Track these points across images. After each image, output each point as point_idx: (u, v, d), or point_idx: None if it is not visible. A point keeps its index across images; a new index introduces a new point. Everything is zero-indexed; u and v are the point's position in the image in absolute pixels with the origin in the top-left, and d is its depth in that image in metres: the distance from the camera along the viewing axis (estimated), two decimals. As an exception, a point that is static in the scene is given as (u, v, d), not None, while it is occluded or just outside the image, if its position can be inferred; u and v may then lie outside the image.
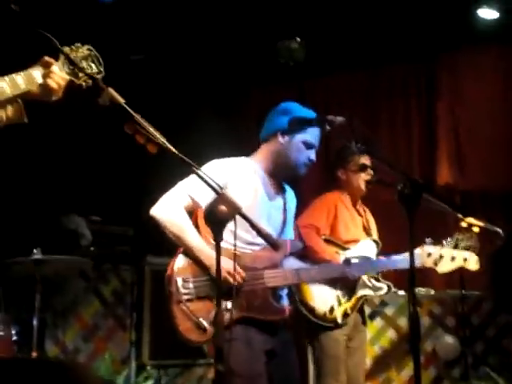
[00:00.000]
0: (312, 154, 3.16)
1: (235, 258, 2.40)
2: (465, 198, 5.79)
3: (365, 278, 3.91)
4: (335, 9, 5.41)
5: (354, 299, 3.97)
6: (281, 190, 3.23)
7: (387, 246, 4.02)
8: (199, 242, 2.93)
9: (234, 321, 2.75)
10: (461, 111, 5.72)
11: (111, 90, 2.13)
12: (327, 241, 4.09)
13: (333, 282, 3.87)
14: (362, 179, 4.25)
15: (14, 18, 2.00)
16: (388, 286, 3.99)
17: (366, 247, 4.08)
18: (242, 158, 3.18)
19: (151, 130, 2.15)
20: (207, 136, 5.53)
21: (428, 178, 5.64)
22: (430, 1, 5.25)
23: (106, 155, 5.77)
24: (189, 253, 2.94)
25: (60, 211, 5.22)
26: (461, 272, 4.37)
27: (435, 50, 5.77)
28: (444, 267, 3.64)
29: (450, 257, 3.63)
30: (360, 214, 4.35)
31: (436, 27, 5.47)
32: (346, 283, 3.82)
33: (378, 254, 4.05)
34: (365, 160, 4.21)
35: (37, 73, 2.07)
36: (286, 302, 3.09)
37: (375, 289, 3.99)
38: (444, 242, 3.66)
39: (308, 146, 3.13)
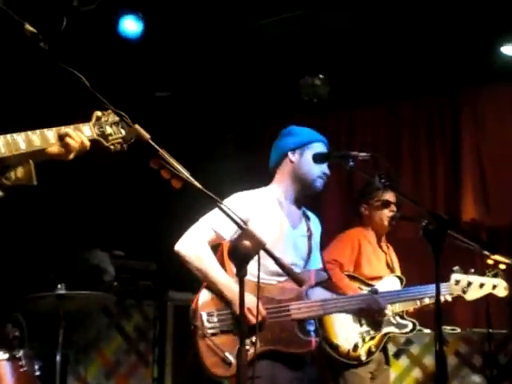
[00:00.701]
0: (325, 169, 3.18)
1: (258, 294, 2.38)
2: (491, 235, 5.72)
3: (390, 315, 3.86)
4: (359, 43, 5.46)
5: (378, 337, 3.92)
6: (304, 217, 3.24)
7: (412, 283, 3.97)
8: (223, 276, 2.94)
9: (260, 354, 2.73)
10: (485, 147, 5.69)
11: (138, 127, 2.16)
12: (351, 277, 4.06)
13: (358, 318, 3.83)
14: (385, 215, 4.24)
15: (43, 57, 2.03)
16: (413, 324, 3.94)
17: (390, 283, 4.04)
18: (263, 189, 3.21)
19: (176, 165, 2.16)
20: (230, 170, 5.57)
21: (453, 214, 5.58)
22: (455, 37, 5.26)
23: (129, 190, 5.81)
24: (212, 287, 2.94)
25: (83, 246, 5.25)
26: (487, 310, 4.31)
27: (458, 86, 5.77)
28: (473, 295, 3.60)
29: (478, 284, 3.59)
30: (383, 251, 4.32)
31: (459, 63, 5.48)
32: (371, 318, 3.76)
33: (403, 291, 4.01)
34: (388, 196, 4.20)
35: (50, 133, 2.09)
36: (313, 336, 3.06)
37: (400, 326, 3.94)
38: (472, 270, 3.61)
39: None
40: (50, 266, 4.90)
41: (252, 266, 2.23)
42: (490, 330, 4.58)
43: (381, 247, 4.32)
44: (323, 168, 3.19)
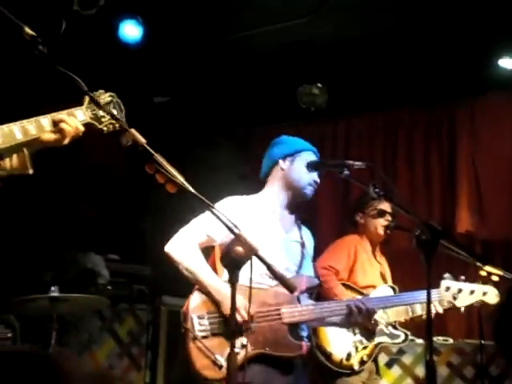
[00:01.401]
0: (316, 177, 3.21)
1: (250, 296, 2.38)
2: (485, 247, 5.73)
3: (382, 325, 3.87)
4: (357, 51, 5.49)
5: (371, 346, 3.92)
6: (296, 224, 3.26)
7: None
8: (212, 278, 2.95)
9: (251, 359, 2.73)
10: (481, 158, 5.70)
11: (134, 131, 2.18)
12: (345, 285, 4.07)
13: (353, 325, 3.83)
14: (380, 224, 4.25)
15: (40, 59, 2.05)
16: (405, 334, 3.95)
17: (383, 292, 4.05)
18: (255, 195, 3.23)
19: (171, 169, 2.17)
20: (226, 177, 5.58)
21: (448, 225, 5.60)
22: (452, 48, 5.30)
23: (125, 194, 5.82)
24: (202, 289, 2.96)
25: (78, 249, 5.25)
26: (480, 321, 4.32)
27: (455, 96, 5.80)
28: (463, 301, 3.60)
29: (468, 290, 3.59)
30: (377, 261, 4.33)
31: (456, 74, 5.51)
32: (362, 323, 3.75)
33: (395, 300, 4.01)
34: (383, 206, 4.21)
35: (45, 121, 2.11)
36: (305, 341, 3.06)
37: (392, 336, 3.94)
38: (463, 277, 3.62)
39: (310, 168, 3.19)
40: (44, 267, 4.90)
41: (244, 270, 2.24)
42: (482, 342, 4.57)
43: (375, 257, 4.34)
44: (313, 176, 3.22)
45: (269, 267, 2.28)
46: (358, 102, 5.98)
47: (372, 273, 4.23)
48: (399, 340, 3.96)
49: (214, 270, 3.02)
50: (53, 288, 4.01)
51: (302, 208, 3.34)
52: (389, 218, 4.23)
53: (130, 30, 5.01)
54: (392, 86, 5.78)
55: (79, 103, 2.24)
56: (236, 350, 2.25)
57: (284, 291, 2.93)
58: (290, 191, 3.22)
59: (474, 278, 3.77)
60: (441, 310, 3.68)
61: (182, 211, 3.02)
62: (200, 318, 2.92)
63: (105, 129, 2.24)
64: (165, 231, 3.26)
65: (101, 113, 2.24)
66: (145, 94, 5.81)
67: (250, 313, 2.85)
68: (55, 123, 2.11)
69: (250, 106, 6.20)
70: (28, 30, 2.01)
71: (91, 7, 4.65)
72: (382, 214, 4.21)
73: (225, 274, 2.93)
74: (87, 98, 2.22)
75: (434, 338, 4.78)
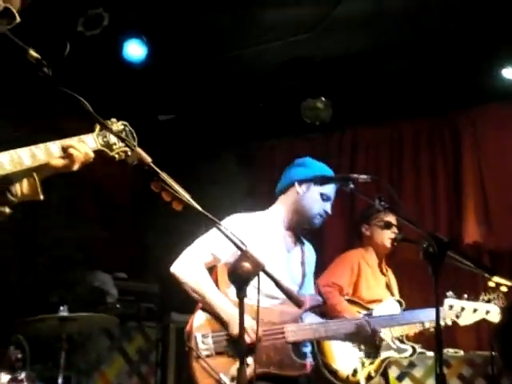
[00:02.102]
0: (328, 207, 3.21)
1: (258, 316, 2.39)
2: (493, 257, 5.71)
3: (388, 339, 3.85)
4: (360, 65, 5.52)
5: (377, 361, 3.90)
6: (298, 242, 3.26)
7: (413, 306, 3.97)
8: (219, 298, 2.95)
9: (256, 377, 2.73)
10: (487, 169, 5.70)
11: (140, 150, 2.19)
12: (350, 301, 4.06)
13: (356, 343, 3.82)
14: (386, 236, 4.25)
15: (46, 81, 2.07)
16: (413, 348, 3.92)
17: (389, 307, 4.03)
18: (261, 212, 3.24)
19: (177, 187, 2.19)
20: (231, 193, 5.59)
21: (455, 236, 5.58)
22: (457, 59, 5.33)
23: (131, 212, 5.84)
24: (208, 309, 2.96)
25: (86, 268, 5.26)
26: (490, 333, 4.30)
27: (460, 107, 5.81)
28: (466, 320, 3.60)
29: (472, 309, 3.59)
30: (383, 273, 4.32)
31: (461, 84, 5.53)
32: (369, 343, 3.75)
33: (402, 314, 4.00)
34: (390, 218, 4.20)
35: (54, 147, 2.12)
36: (308, 359, 3.06)
37: (400, 351, 3.92)
38: (465, 296, 3.62)
39: (325, 198, 3.19)
40: (53, 287, 4.91)
41: (248, 289, 2.24)
42: (493, 353, 4.54)
43: (381, 269, 4.33)
44: (326, 206, 3.21)
45: (276, 283, 2.28)
46: (362, 115, 5.99)
47: (377, 287, 4.22)
48: (406, 354, 3.93)
49: (216, 286, 3.02)
50: (61, 308, 4.01)
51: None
52: (395, 230, 4.22)
53: (135, 50, 5.05)
54: (396, 99, 5.80)
55: (90, 123, 2.25)
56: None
57: (288, 310, 2.94)
58: (299, 216, 3.22)
59: (483, 288, 3.76)
60: (449, 322, 3.68)
61: (189, 229, 3.04)
62: (204, 336, 2.91)
63: (116, 156, 2.25)
64: (172, 249, 3.27)
65: (112, 140, 2.25)
66: (150, 113, 5.85)
67: (258, 334, 2.85)
68: (64, 149, 2.12)
69: (254, 122, 6.23)
70: (33, 53, 2.03)
71: (95, 28, 4.70)
72: (388, 225, 4.20)
73: (228, 291, 2.93)
74: (98, 126, 2.24)
75: (445, 350, 4.75)
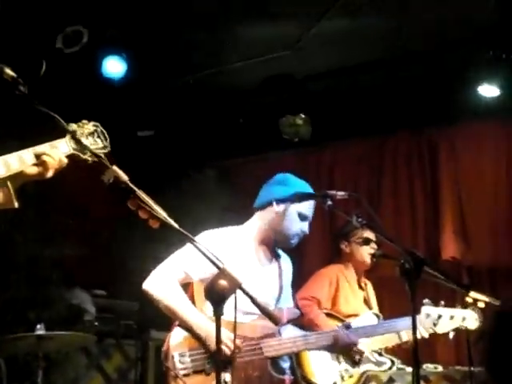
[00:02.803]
0: (305, 226, 3.20)
1: (235, 330, 2.38)
2: (472, 273, 5.75)
3: (367, 353, 3.86)
4: (339, 80, 5.57)
5: (357, 375, 3.90)
6: (274, 256, 3.25)
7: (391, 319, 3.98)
8: (194, 314, 2.94)
9: None
10: (464, 185, 5.76)
11: (115, 168, 2.19)
12: (328, 314, 4.07)
13: (336, 356, 3.82)
14: (366, 252, 4.27)
15: (22, 99, 2.07)
16: (391, 361, 3.94)
17: (366, 320, 4.04)
18: (234, 228, 3.22)
19: (153, 205, 2.19)
20: (210, 209, 5.59)
21: (433, 252, 5.62)
22: (434, 76, 5.39)
23: (109, 228, 5.81)
24: (183, 325, 2.94)
25: (64, 286, 5.22)
26: (469, 348, 4.31)
27: (437, 124, 5.88)
28: (443, 327, 3.61)
29: (448, 316, 3.62)
30: (361, 288, 4.34)
31: (438, 101, 5.59)
32: (348, 354, 3.74)
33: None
34: (369, 234, 4.23)
35: (27, 155, 2.12)
36: (287, 374, 3.05)
37: (378, 364, 3.94)
38: (442, 302, 3.64)
39: (302, 217, 3.18)
40: (30, 305, 4.86)
41: (224, 306, 2.24)
42: (472, 369, 4.56)
43: (359, 284, 4.35)
44: (303, 226, 3.19)
45: (253, 300, 2.28)
46: (340, 131, 6.03)
47: (355, 301, 4.24)
48: (386, 367, 3.95)
49: (193, 303, 3.00)
50: (38, 326, 3.97)
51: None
52: (374, 245, 4.25)
53: (114, 66, 5.05)
54: (375, 115, 5.85)
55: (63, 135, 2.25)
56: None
57: (264, 325, 2.93)
58: (275, 235, 3.20)
59: (461, 304, 3.79)
60: (426, 335, 3.69)
61: (167, 245, 3.03)
62: (181, 355, 2.89)
63: (89, 159, 2.25)
64: (151, 265, 3.26)
65: (84, 142, 2.25)
66: (129, 129, 5.84)
67: (239, 346, 2.84)
68: (37, 156, 2.12)
69: (234, 138, 6.24)
70: (8, 71, 2.03)
71: (74, 44, 4.70)
72: (367, 242, 4.23)
73: (204, 307, 2.92)
74: (70, 128, 2.24)
75: (424, 366, 4.76)
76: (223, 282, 2.23)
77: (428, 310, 3.61)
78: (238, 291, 2.28)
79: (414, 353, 2.58)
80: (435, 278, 3.17)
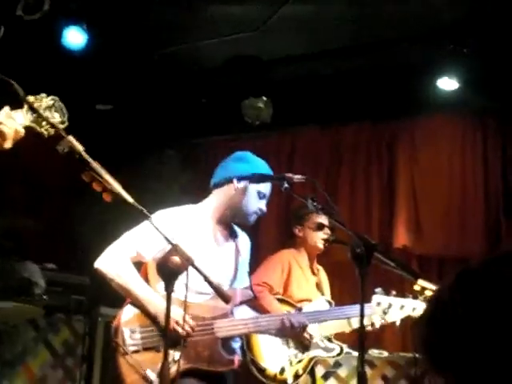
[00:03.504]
0: (263, 205, 3.21)
1: (186, 308, 2.39)
2: (421, 262, 5.87)
3: (317, 338, 3.90)
4: (303, 64, 5.58)
5: (305, 360, 3.94)
6: (231, 235, 3.25)
7: (344, 305, 4.04)
8: (146, 292, 2.92)
9: (182, 372, 2.72)
10: (419, 176, 5.86)
11: (71, 138, 2.16)
12: (280, 300, 4.09)
13: (286, 340, 3.86)
14: (318, 238, 4.29)
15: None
16: (340, 348, 3.99)
17: (318, 306, 4.08)
18: (188, 206, 3.21)
19: (108, 178, 2.17)
20: (169, 188, 5.56)
21: (386, 240, 5.72)
22: (395, 68, 5.45)
23: (63, 200, 5.74)
24: (136, 303, 2.93)
25: (14, 258, 5.13)
26: (413, 334, 4.40)
27: (397, 116, 5.95)
28: (393, 316, 3.66)
29: (399, 305, 3.66)
30: (314, 273, 4.37)
31: (398, 93, 5.66)
32: (297, 338, 3.78)
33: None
34: (322, 219, 4.26)
35: None
36: (237, 354, 3.07)
37: (328, 350, 3.97)
38: (394, 292, 3.69)
39: (261, 195, 3.19)
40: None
41: (176, 283, 2.24)
42: (417, 355, 4.66)
43: (312, 269, 4.38)
44: (261, 204, 3.20)
45: (205, 277, 2.29)
46: (302, 117, 6.06)
47: (307, 286, 4.27)
48: (334, 353, 3.99)
49: (147, 282, 3.00)
50: (-14, 297, 3.91)
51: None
52: (327, 231, 4.28)
53: (74, 37, 4.96)
54: (337, 103, 5.89)
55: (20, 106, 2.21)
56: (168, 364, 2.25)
57: (217, 305, 2.94)
58: (234, 212, 3.18)
59: (409, 292, 3.85)
60: (377, 325, 3.74)
61: (122, 221, 3.00)
62: (132, 331, 2.88)
63: (45, 132, 2.22)
64: (105, 241, 3.23)
65: (42, 115, 2.21)
66: (88, 102, 5.75)
67: (191, 323, 2.85)
68: None
69: (195, 118, 6.21)
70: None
71: (35, 12, 4.59)
72: (320, 227, 4.25)
73: (158, 286, 2.91)
74: (28, 100, 2.20)
75: (369, 351, 4.85)
76: (176, 259, 2.23)
77: (379, 299, 3.66)
78: (191, 269, 2.28)
79: (359, 339, 2.62)
80: (385, 265, 3.22)
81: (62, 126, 2.24)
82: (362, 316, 2.58)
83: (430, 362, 1.09)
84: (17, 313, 4.29)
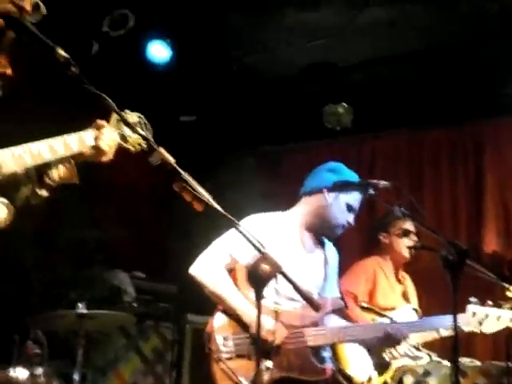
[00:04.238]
0: (351, 218, 3.18)
1: (277, 316, 2.40)
2: (512, 269, 5.67)
3: (405, 347, 3.82)
4: (382, 69, 5.52)
5: (393, 369, 3.87)
6: (319, 244, 3.24)
7: (431, 314, 3.95)
8: (239, 300, 2.94)
9: (275, 381, 2.73)
10: (509, 179, 5.67)
11: (162, 150, 2.21)
12: (365, 308, 4.03)
13: (380, 347, 3.80)
14: (404, 244, 4.22)
15: (72, 80, 2.10)
16: (429, 356, 3.90)
17: (404, 314, 4.00)
18: (280, 213, 3.22)
19: (198, 188, 2.20)
20: (249, 195, 5.61)
21: (474, 246, 5.55)
22: (479, 69, 5.32)
23: (152, 211, 5.87)
24: (229, 311, 2.95)
25: (105, 267, 5.30)
26: (507, 343, 4.26)
27: (481, 118, 5.78)
28: (489, 327, 3.55)
29: (495, 316, 3.54)
30: (400, 281, 4.29)
31: (483, 95, 5.51)
32: (389, 347, 3.71)
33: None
34: (408, 225, 4.19)
35: (88, 135, 2.16)
36: (328, 363, 3.05)
37: (415, 358, 3.90)
38: (490, 302, 3.57)
39: (350, 208, 3.16)
40: (72, 285, 4.95)
41: (268, 290, 2.24)
42: (510, 364, 4.50)
43: (397, 277, 4.30)
44: (349, 217, 3.18)
45: (294, 285, 2.29)
46: (383, 122, 5.98)
47: (393, 295, 4.20)
48: (422, 362, 3.91)
49: (236, 287, 3.01)
50: (80, 305, 4.04)
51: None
52: (414, 238, 4.20)
53: (159, 51, 5.09)
54: (418, 107, 5.78)
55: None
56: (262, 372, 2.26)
57: (308, 313, 2.93)
58: (321, 223, 3.19)
59: (500, 299, 3.73)
60: (477, 330, 3.63)
61: (207, 229, 3.04)
62: (225, 339, 2.91)
63: (132, 148, 2.28)
64: (191, 249, 3.29)
65: (127, 132, 2.28)
66: (172, 114, 5.89)
67: (283, 334, 2.85)
68: (96, 139, 2.17)
69: (275, 125, 6.24)
70: (61, 52, 2.06)
71: (120, 28, 4.75)
72: (407, 233, 4.18)
73: (249, 293, 2.93)
74: (114, 118, 2.27)
75: (461, 360, 4.72)
76: (265, 266, 2.24)
77: (475, 309, 3.55)
78: (280, 276, 2.29)
79: (454, 350, 2.54)
80: (477, 271, 3.13)
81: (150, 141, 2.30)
82: (455, 324, 2.51)
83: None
84: (108, 320, 4.40)
